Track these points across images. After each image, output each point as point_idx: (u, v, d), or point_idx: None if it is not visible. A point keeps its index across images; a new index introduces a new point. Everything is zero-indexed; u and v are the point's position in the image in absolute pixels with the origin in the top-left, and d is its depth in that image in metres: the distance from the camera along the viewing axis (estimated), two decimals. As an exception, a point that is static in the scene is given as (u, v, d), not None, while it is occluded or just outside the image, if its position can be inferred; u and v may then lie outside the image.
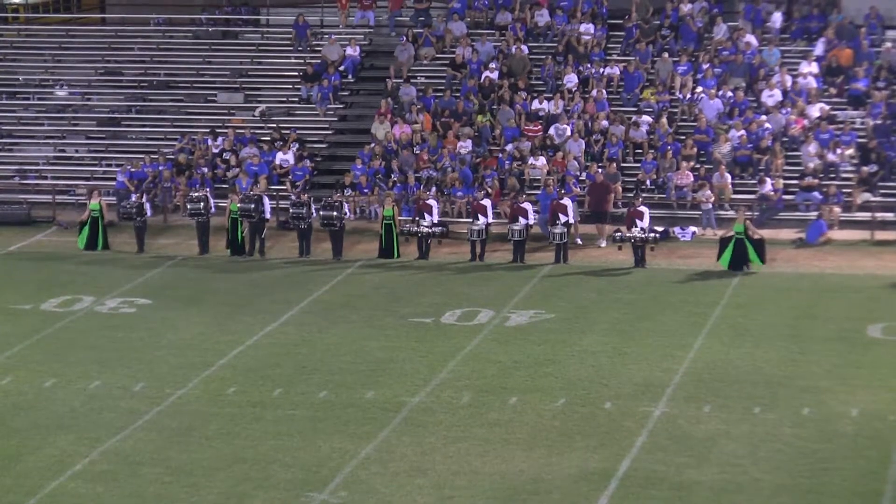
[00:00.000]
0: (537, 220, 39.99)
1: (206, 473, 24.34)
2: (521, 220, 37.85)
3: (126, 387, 28.92)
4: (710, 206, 40.78)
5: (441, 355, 30.42)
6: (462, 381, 28.86)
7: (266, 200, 39.02)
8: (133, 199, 40.31)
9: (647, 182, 42.30)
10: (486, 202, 38.86)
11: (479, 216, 38.31)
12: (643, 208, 37.58)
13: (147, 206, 40.19)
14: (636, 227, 37.01)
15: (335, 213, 38.31)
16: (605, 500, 23.45)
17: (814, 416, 27.11)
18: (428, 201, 38.84)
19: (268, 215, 39.09)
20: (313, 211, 38.76)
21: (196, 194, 39.89)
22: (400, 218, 39.19)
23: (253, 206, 38.50)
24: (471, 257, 38.03)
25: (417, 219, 38.58)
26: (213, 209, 39.51)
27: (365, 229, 40.90)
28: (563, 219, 37.62)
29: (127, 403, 28.13)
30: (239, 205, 38.53)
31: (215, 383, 28.99)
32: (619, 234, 37.39)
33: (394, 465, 24.90)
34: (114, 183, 43.93)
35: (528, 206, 38.38)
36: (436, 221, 38.49)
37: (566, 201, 38.22)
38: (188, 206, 39.79)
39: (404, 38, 48.91)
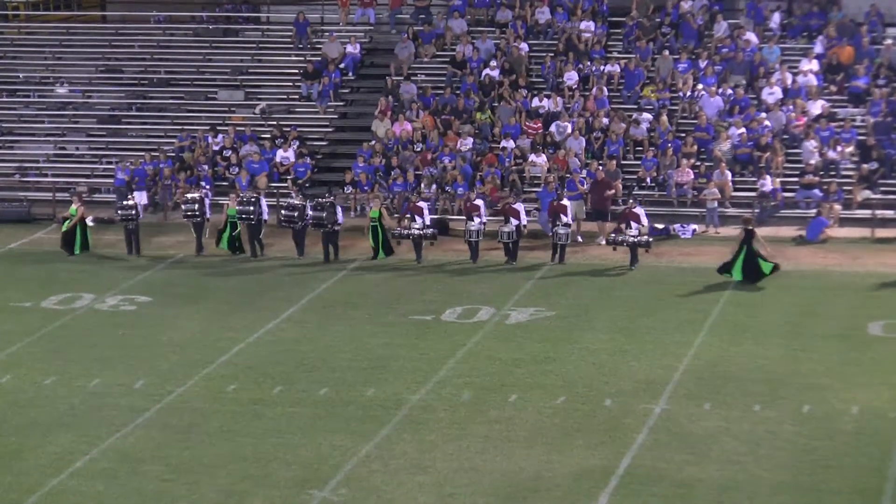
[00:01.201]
0: (538, 218, 39.96)
1: (206, 471, 24.35)
2: (513, 222, 37.54)
3: (126, 384, 28.93)
4: (715, 204, 40.76)
5: (441, 353, 30.41)
6: (462, 378, 28.85)
7: (263, 202, 38.69)
8: (132, 199, 40.03)
9: (648, 180, 42.30)
10: (480, 202, 38.52)
11: (474, 217, 37.92)
12: (639, 210, 37.24)
13: (140, 208, 39.99)
14: (630, 228, 36.78)
15: (324, 214, 37.80)
16: (606, 498, 23.46)
17: (814, 413, 27.12)
18: (419, 203, 38.40)
19: (265, 216, 38.71)
20: (308, 213, 38.28)
21: (191, 195, 39.71)
22: (396, 216, 39.03)
23: (251, 208, 38.23)
24: (471, 258, 37.77)
25: (409, 221, 38.12)
26: (208, 211, 39.10)
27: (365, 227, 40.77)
28: (563, 219, 37.46)
29: (127, 401, 28.14)
30: (237, 207, 38.25)
31: (216, 381, 28.99)
32: (613, 235, 37.25)
33: (394, 462, 24.92)
34: (111, 181, 43.94)
35: (520, 206, 38.04)
36: (427, 223, 38.09)
37: (565, 202, 38.08)
38: (183, 207, 39.52)
39: (405, 35, 48.92)
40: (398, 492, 23.74)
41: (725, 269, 35.21)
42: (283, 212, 38.87)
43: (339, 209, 38.31)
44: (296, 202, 38.74)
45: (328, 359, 30.05)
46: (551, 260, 37.47)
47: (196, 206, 38.79)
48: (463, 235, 38.17)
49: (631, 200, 38.22)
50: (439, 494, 23.62)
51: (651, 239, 37.16)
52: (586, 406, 27.60)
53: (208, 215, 39.17)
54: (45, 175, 46.24)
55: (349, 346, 30.95)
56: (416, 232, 37.73)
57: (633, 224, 36.74)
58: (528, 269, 37.35)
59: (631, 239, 36.70)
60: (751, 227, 35.14)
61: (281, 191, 43.03)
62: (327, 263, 37.89)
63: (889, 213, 40.69)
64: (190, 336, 31.84)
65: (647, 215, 37.62)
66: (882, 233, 40.00)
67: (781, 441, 25.88)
